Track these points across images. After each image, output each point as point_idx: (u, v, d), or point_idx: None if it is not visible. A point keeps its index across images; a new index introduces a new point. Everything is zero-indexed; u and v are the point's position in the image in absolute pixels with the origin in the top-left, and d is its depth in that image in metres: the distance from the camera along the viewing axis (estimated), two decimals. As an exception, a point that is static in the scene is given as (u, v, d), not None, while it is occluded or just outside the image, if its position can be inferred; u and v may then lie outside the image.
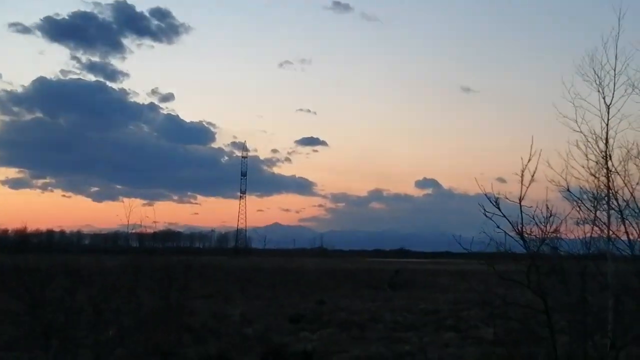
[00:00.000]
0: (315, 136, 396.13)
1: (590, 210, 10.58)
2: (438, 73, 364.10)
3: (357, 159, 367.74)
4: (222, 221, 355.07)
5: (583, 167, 10.71)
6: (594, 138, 10.85)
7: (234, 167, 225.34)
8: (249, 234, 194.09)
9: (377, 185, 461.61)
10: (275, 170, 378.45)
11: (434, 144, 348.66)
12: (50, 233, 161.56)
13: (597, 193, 10.69)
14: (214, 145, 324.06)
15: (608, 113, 10.91)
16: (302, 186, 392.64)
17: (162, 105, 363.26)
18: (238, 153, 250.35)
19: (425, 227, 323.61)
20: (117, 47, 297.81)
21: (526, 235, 9.74)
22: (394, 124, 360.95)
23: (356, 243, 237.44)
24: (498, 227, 9.63)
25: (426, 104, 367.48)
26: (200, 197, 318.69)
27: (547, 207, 9.72)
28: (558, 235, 10.03)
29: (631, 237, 10.40)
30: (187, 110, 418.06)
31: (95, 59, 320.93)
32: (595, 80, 11.04)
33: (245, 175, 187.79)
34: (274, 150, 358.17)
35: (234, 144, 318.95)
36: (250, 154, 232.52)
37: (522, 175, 9.59)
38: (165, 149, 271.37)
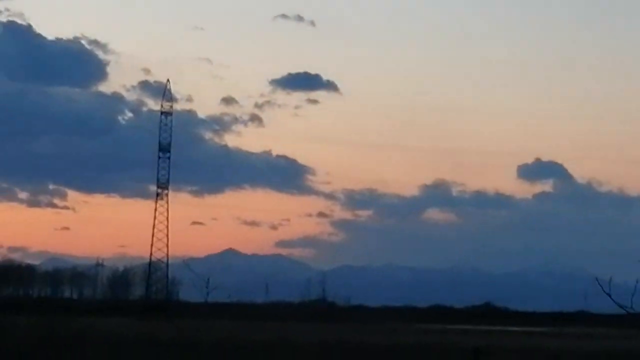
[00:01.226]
0: (313, 72, 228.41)
1: None
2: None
3: (397, 121, 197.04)
4: (120, 245, 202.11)
5: None
6: None
7: (144, 133, 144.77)
8: (174, 271, 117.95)
9: (441, 173, 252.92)
10: (231, 140, 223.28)
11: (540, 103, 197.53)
12: None
13: None
14: (104, 87, 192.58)
15: None
16: (284, 173, 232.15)
17: None
18: (153, 103, 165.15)
19: (532, 260, 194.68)
20: None
21: None
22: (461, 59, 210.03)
23: (393, 289, 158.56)
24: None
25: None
26: (73, 195, 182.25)
27: None
28: None
29: None
30: (50, 18, 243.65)
31: None
32: None
33: (169, 150, 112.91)
34: (228, 100, 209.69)
35: (144, 84, 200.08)
36: (178, 106, 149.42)
37: None
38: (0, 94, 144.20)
